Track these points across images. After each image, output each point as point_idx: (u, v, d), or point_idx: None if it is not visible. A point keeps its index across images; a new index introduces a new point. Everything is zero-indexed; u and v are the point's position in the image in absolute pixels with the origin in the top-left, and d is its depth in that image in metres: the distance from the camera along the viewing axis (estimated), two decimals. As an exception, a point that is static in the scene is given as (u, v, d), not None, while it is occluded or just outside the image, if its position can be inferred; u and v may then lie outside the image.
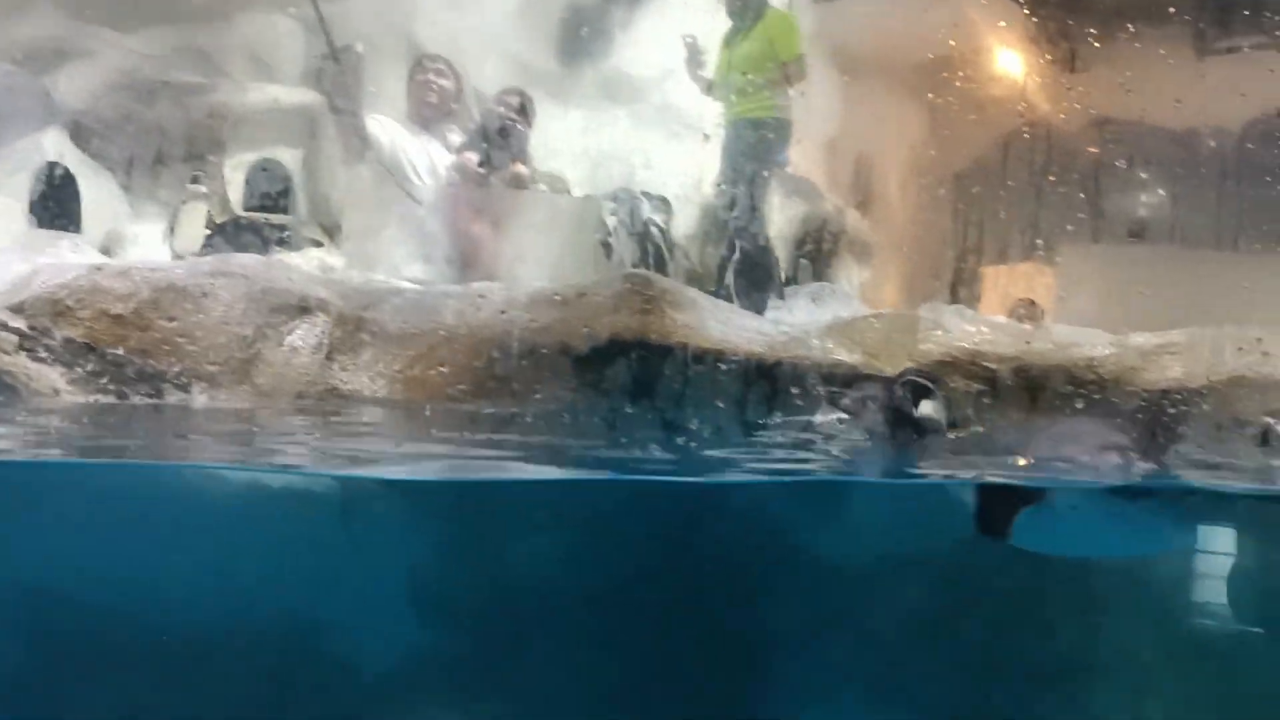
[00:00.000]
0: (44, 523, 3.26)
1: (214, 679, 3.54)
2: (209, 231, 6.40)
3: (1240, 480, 3.97)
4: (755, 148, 6.02)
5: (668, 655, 3.60)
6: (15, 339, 3.83)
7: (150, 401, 3.89)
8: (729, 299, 4.97)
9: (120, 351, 3.92)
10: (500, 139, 5.80)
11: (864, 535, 3.58)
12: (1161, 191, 7.44)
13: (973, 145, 7.27)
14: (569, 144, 6.94)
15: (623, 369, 3.88)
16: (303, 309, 4.30)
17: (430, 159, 6.07)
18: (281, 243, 5.74)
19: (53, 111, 6.72)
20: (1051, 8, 6.84)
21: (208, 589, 3.48)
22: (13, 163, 6.37)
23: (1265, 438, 4.16)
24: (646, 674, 3.58)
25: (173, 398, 3.95)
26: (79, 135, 6.73)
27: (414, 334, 4.20)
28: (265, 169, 7.37)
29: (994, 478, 3.57)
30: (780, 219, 6.36)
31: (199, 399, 4.00)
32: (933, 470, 3.76)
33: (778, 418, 3.62)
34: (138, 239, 6.53)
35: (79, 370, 3.78)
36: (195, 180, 6.64)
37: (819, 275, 6.34)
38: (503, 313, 4.07)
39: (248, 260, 4.41)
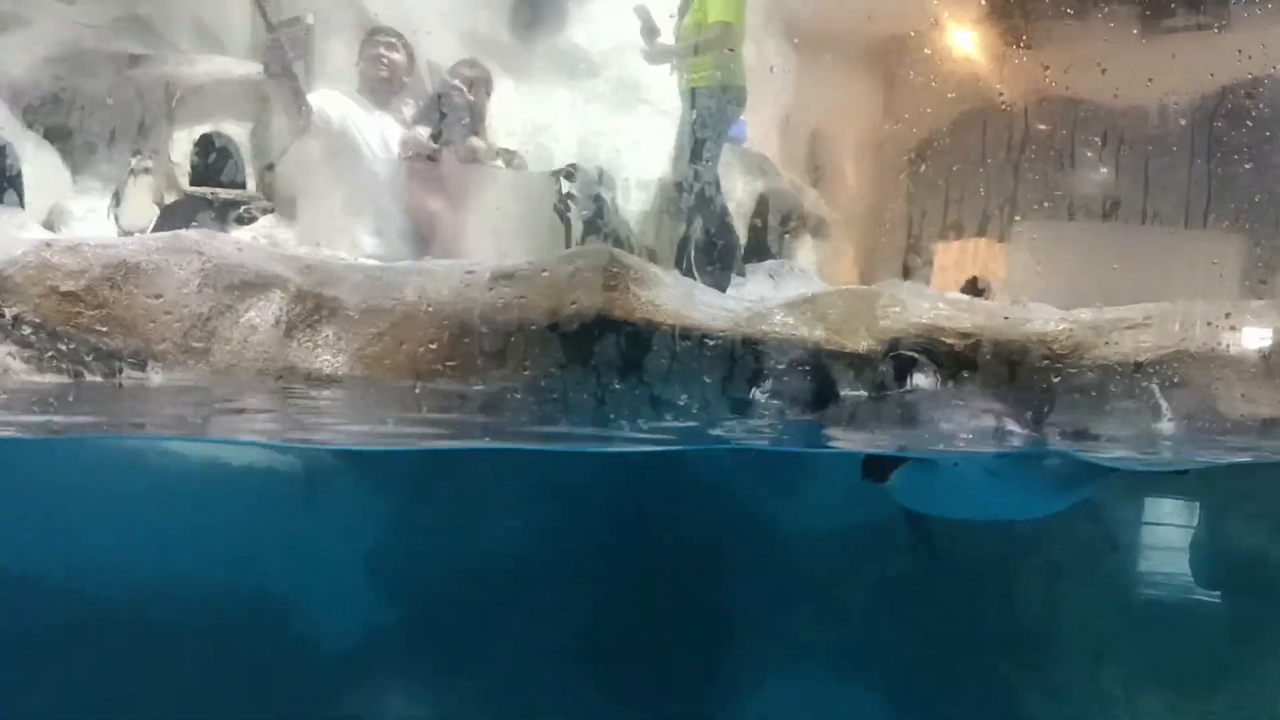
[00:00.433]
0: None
1: (171, 655, 3.51)
2: (158, 207, 6.27)
3: (1120, 450, 4.06)
4: (710, 117, 6.00)
5: (631, 627, 3.63)
6: (-38, 317, 3.74)
7: (105, 380, 3.82)
8: (689, 275, 4.96)
9: (73, 330, 3.83)
10: (456, 112, 5.73)
11: (817, 504, 3.63)
12: (1114, 170, 7.54)
13: (927, 122, 7.31)
14: (521, 118, 6.88)
15: (587, 346, 3.87)
16: (259, 285, 4.23)
17: (382, 133, 5.98)
18: (241, 221, 5.62)
19: (-9, 84, 6.53)
20: (1005, -16, 6.89)
21: (163, 565, 3.44)
22: (-49, 137, 6.18)
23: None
24: (610, 646, 3.61)
25: (128, 377, 3.88)
26: (19, 108, 6.54)
27: (375, 311, 4.15)
28: (213, 143, 7.23)
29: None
30: (737, 195, 6.36)
31: (155, 378, 3.93)
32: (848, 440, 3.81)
33: (743, 393, 3.64)
34: (82, 214, 6.38)
35: (31, 349, 3.68)
36: (141, 154, 6.48)
37: (776, 252, 6.36)
38: (465, 288, 4.03)
39: (201, 236, 4.33)
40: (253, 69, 7.35)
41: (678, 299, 3.89)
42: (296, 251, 4.53)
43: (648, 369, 3.76)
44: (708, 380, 3.63)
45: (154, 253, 4.12)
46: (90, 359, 3.86)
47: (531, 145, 6.86)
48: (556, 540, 3.49)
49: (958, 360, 4.40)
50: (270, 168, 7.18)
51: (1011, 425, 3.59)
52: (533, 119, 7.14)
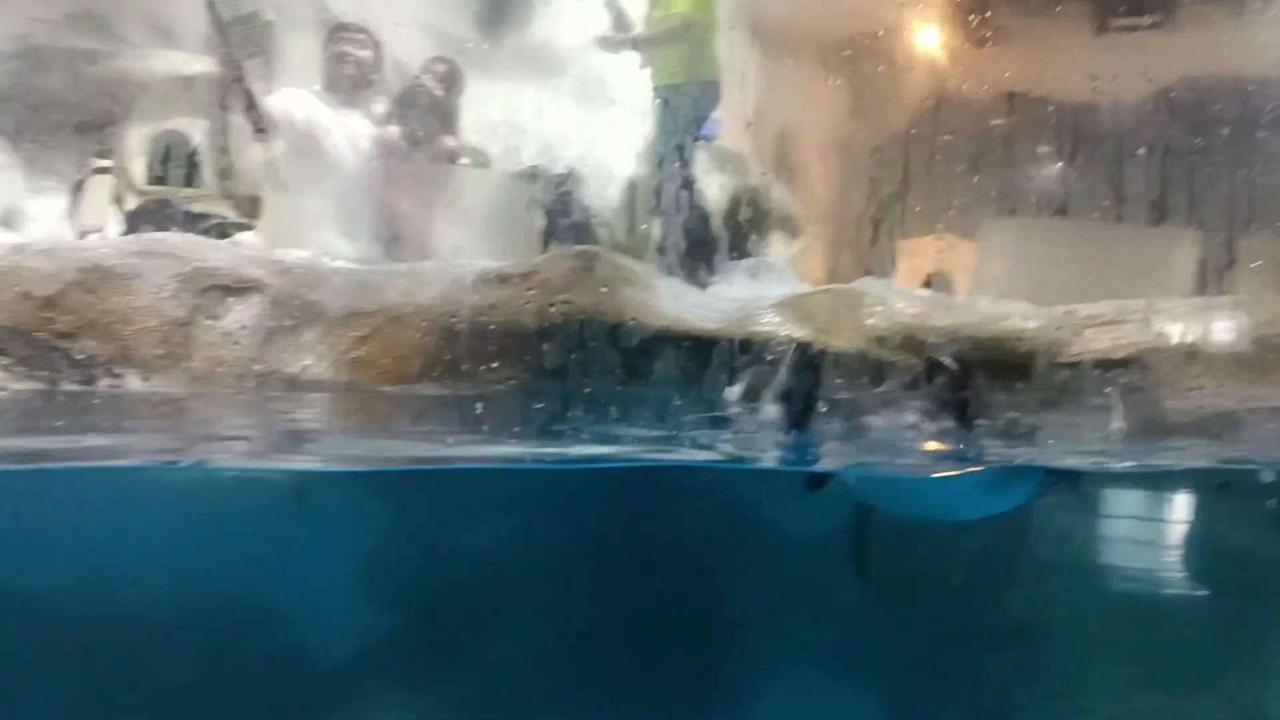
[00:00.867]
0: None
1: (158, 673, 3.42)
2: (117, 207, 6.12)
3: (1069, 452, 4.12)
4: (682, 114, 5.99)
5: (627, 634, 3.61)
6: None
7: (82, 389, 3.71)
8: (669, 274, 4.94)
9: (47, 336, 3.73)
10: (427, 111, 5.66)
11: (814, 506, 3.64)
12: (1074, 166, 7.66)
13: (892, 120, 7.37)
14: (488, 116, 6.81)
15: (576, 347, 3.84)
16: (238, 289, 4.15)
17: (350, 132, 5.89)
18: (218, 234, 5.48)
19: (-60, 81, 6.33)
20: (967, -18, 6.96)
21: (149, 580, 3.36)
22: (-101, 135, 5.98)
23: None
24: (606, 654, 3.59)
25: (105, 383, 3.78)
26: (-31, 105, 6.35)
27: (358, 314, 4.09)
28: (170, 141, 7.07)
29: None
30: (710, 193, 6.36)
31: (133, 384, 3.83)
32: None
33: (737, 394, 3.63)
34: (37, 215, 6.20)
35: (6, 357, 3.58)
36: (98, 153, 6.32)
37: (749, 250, 6.36)
38: (451, 290, 3.98)
39: (177, 239, 4.23)
40: (208, 64, 7.21)
41: (667, 299, 3.88)
42: (277, 254, 4.44)
43: (641, 370, 3.74)
44: (707, 384, 3.62)
45: (129, 256, 4.02)
46: (66, 366, 3.75)
47: (499, 143, 6.81)
48: (550, 547, 3.45)
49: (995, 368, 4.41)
50: (225, 174, 7.05)
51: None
52: (500, 117, 7.07)
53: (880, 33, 6.99)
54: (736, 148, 7.16)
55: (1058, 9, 7.25)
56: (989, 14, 7.19)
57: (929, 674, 3.66)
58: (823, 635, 3.75)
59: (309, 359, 4.07)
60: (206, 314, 4.07)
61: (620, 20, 6.30)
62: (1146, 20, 7.86)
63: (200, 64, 7.16)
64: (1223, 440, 4.48)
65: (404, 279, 4.11)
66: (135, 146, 6.81)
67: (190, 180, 7.05)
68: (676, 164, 5.61)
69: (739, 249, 6.01)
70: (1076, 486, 4.54)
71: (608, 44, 6.44)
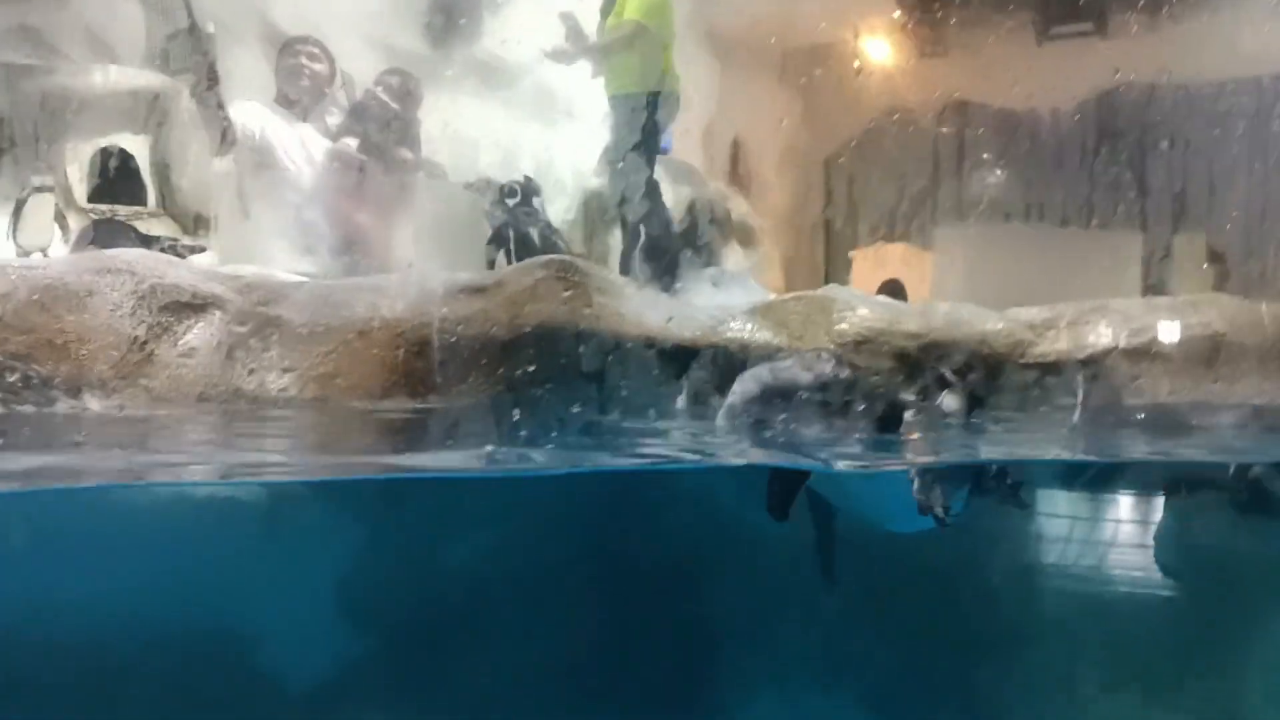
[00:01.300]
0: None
1: (130, 702, 3.30)
2: (59, 225, 5.95)
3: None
4: (638, 122, 5.97)
5: (614, 646, 3.56)
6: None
7: (39, 410, 3.58)
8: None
9: (1, 357, 3.59)
10: (381, 123, 5.58)
11: (800, 514, 3.63)
12: (1021, 172, 7.79)
13: (844, 129, 7.44)
14: (442, 129, 6.75)
15: (550, 358, 3.79)
16: (197, 306, 4.03)
17: (304, 146, 5.80)
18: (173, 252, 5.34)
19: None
20: (916, -7, 7.07)
21: (118, 605, 3.24)
22: None
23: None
24: (593, 665, 3.53)
25: (63, 405, 3.64)
26: (-97, 122, 6.14)
27: (323, 329, 3.98)
28: (110, 157, 6.90)
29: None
30: (667, 204, 6.35)
31: (92, 405, 3.70)
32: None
33: (716, 403, 3.61)
34: (-25, 234, 6.00)
35: (-40, 379, 3.44)
36: (39, 171, 6.14)
37: (707, 260, 6.37)
38: (420, 302, 3.91)
39: (132, 255, 4.09)
40: (150, 79, 7.06)
41: (642, 308, 3.85)
42: (236, 270, 4.33)
43: (616, 380, 3.70)
44: (687, 391, 3.60)
45: (84, 273, 3.88)
46: (21, 388, 3.61)
47: (451, 156, 6.74)
48: (532, 559, 3.39)
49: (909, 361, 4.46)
50: (170, 191, 6.89)
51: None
52: (452, 129, 7.01)
53: (832, 43, 7.06)
54: (689, 159, 7.18)
55: (1003, 18, 7.38)
56: (936, 24, 7.31)
57: (891, 673, 3.67)
58: (800, 638, 3.74)
59: (273, 375, 3.97)
60: (166, 332, 3.94)
61: (574, 32, 6.27)
62: (1076, 29, 8.04)
63: (140, 78, 7.02)
64: (1180, 436, 4.57)
65: (370, 292, 4.02)
66: (77, 164, 6.63)
67: (135, 198, 6.88)
68: (636, 173, 5.59)
69: (695, 259, 6.00)
70: (1021, 485, 4.59)
71: (560, 56, 6.41)
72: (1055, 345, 4.84)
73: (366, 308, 4.02)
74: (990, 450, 4.46)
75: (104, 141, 6.88)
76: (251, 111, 5.62)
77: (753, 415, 3.46)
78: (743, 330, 3.91)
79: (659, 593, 3.47)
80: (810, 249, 7.48)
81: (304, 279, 4.44)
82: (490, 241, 6.00)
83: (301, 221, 5.44)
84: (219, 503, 3.37)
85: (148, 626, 3.14)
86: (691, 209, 6.61)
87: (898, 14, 7.15)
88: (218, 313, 4.03)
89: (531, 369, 3.80)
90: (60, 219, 6.17)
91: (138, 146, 7.04)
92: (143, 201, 6.98)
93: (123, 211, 6.80)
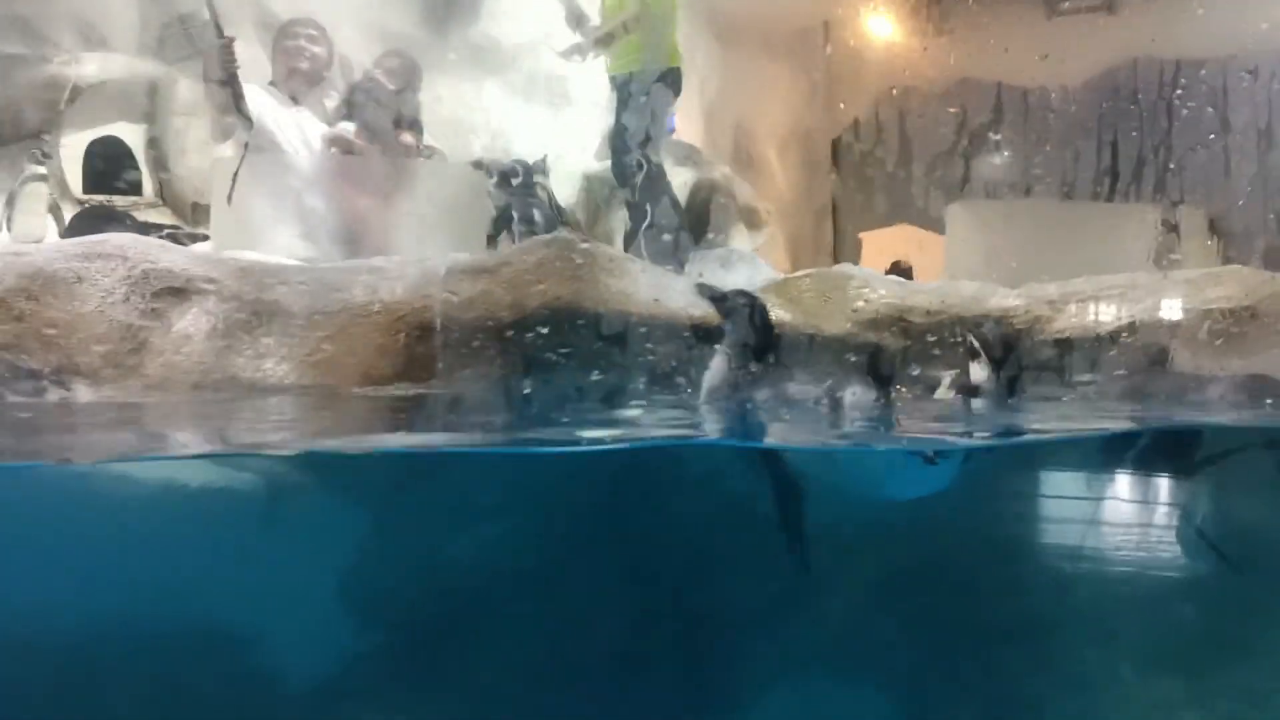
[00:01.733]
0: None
1: (122, 700, 3.19)
2: (52, 215, 5.84)
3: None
4: (642, 101, 5.82)
5: (623, 637, 3.44)
6: None
7: (29, 400, 3.46)
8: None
9: (-10, 346, 3.47)
10: (381, 106, 5.45)
11: (816, 499, 3.50)
12: (1031, 148, 7.66)
13: (849, 109, 7.31)
14: (437, 112, 6.62)
15: (557, 339, 3.67)
16: (191, 291, 3.92)
17: (303, 130, 5.66)
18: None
19: None
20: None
21: (111, 598, 3.13)
22: None
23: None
24: (602, 658, 3.42)
25: (55, 395, 3.53)
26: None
27: (322, 314, 3.87)
28: (106, 146, 6.79)
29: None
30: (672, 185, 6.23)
31: (83, 394, 3.59)
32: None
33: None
34: (-32, 224, 5.89)
35: (-53, 368, 3.32)
36: (33, 160, 6.02)
37: (712, 240, 6.25)
38: (421, 285, 3.79)
39: (123, 239, 3.97)
40: (144, 67, 6.95)
41: (650, 287, 3.72)
42: (232, 254, 4.21)
43: (629, 361, 3.58)
44: (695, 369, 3.47)
45: (73, 259, 3.77)
46: (10, 378, 3.50)
47: (449, 139, 6.62)
48: (539, 547, 3.28)
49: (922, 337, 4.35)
50: (166, 179, 6.78)
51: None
52: (449, 112, 6.89)
53: (835, 21, 6.93)
54: (692, 140, 7.06)
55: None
56: (943, 2, 7.16)
57: (914, 661, 3.56)
58: (818, 627, 3.61)
59: (270, 362, 3.85)
60: (159, 318, 3.83)
61: (574, 14, 6.13)
62: (1084, 4, 7.90)
63: (134, 66, 6.91)
64: (1205, 409, 4.44)
65: (369, 275, 3.91)
66: (71, 153, 6.52)
67: (131, 187, 6.77)
68: (641, 153, 5.46)
69: (701, 239, 5.88)
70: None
71: (569, 53, 6.24)
72: (1074, 320, 4.73)
73: (365, 291, 3.90)
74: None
75: (99, 131, 6.78)
76: (250, 95, 5.48)
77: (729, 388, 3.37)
78: (755, 308, 3.78)
79: (674, 583, 3.35)
80: (817, 230, 7.35)
81: (303, 262, 4.32)
82: (494, 223, 5.87)
83: (301, 207, 5.30)
84: (219, 486, 3.26)
85: (137, 616, 3.03)
86: (694, 190, 6.48)
87: (903, -10, 7.01)
88: (213, 298, 3.92)
89: (537, 351, 3.68)
90: (55, 210, 6.05)
91: (133, 136, 6.94)
92: (139, 191, 6.88)
93: (119, 201, 6.70)
